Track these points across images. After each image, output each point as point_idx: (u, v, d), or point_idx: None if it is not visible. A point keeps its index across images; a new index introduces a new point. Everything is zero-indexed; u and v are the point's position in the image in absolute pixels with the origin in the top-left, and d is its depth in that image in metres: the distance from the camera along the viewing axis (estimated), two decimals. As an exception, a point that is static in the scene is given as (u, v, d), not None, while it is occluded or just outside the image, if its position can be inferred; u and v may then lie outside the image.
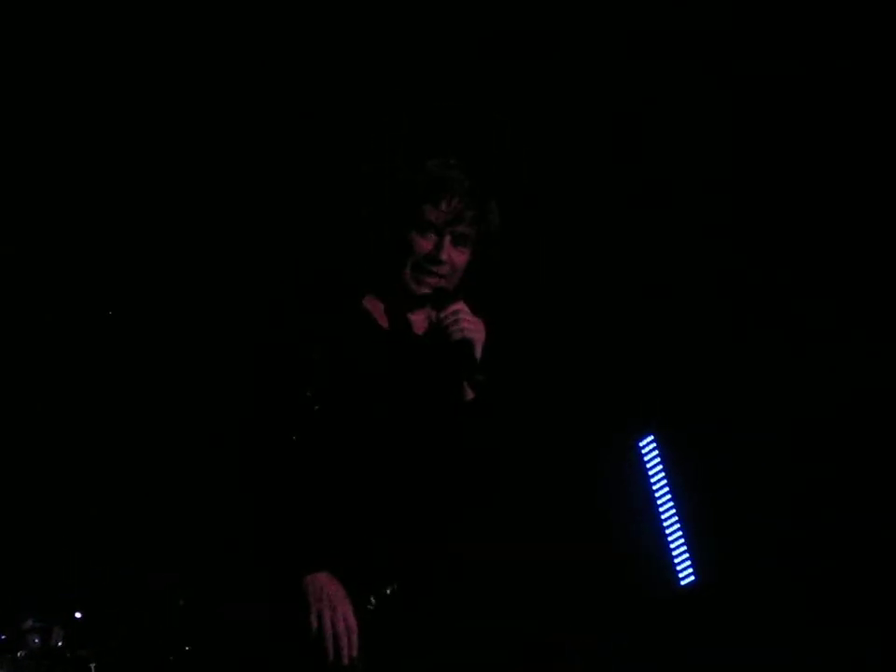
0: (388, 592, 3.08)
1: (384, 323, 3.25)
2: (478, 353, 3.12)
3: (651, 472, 5.37)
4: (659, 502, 5.32)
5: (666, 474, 5.32)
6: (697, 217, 5.01)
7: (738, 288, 4.98)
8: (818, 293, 4.76)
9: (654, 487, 5.34)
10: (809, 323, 4.79)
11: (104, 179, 5.01)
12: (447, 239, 3.14)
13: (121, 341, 5.09)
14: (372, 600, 3.06)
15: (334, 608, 2.96)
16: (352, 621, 2.98)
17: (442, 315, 3.14)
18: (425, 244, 3.15)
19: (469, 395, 3.14)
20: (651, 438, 5.38)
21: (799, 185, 4.71)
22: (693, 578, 5.17)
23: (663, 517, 5.30)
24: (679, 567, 5.21)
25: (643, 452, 5.40)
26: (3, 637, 4.47)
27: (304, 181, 4.91)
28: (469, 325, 3.12)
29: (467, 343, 3.11)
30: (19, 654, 4.43)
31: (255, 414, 3.10)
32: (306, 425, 3.08)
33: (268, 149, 4.97)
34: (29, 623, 4.43)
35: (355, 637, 2.97)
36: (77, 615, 4.53)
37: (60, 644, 4.43)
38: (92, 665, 4.35)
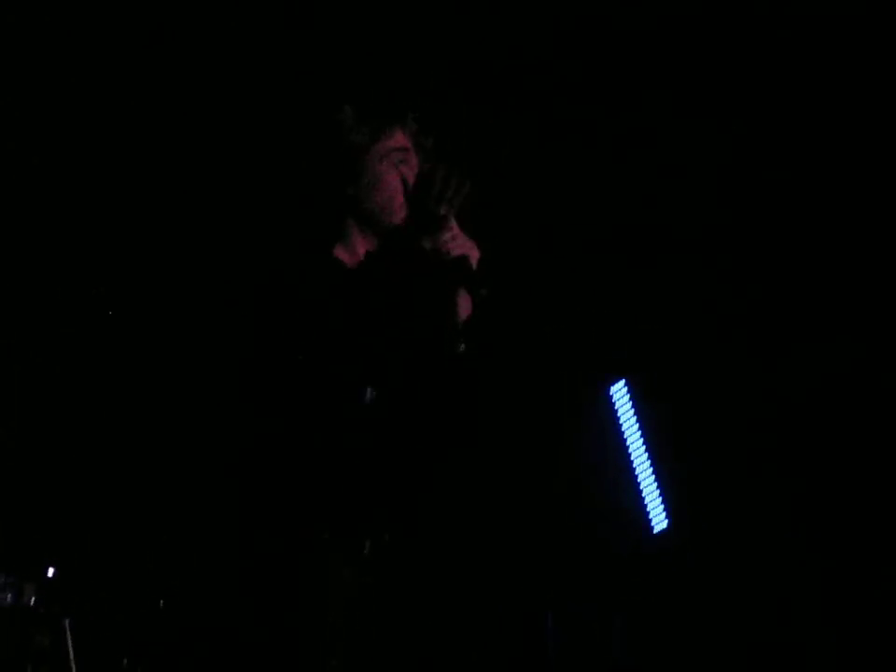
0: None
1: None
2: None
3: (621, 417, 5.35)
4: (630, 447, 5.30)
5: (637, 418, 5.30)
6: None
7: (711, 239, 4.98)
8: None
9: (625, 432, 5.33)
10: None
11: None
12: None
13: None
14: (367, 545, 3.01)
15: None
16: None
17: (438, 236, 3.07)
18: None
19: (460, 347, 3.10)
20: (623, 382, 5.36)
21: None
22: (665, 524, 5.16)
23: (633, 462, 5.28)
24: (651, 514, 5.19)
25: (613, 397, 5.38)
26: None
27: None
28: (465, 241, 3.07)
29: (465, 259, 3.05)
30: (-9, 611, 4.38)
31: (248, 380, 3.04)
32: (299, 386, 3.02)
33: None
34: (1, 579, 4.39)
35: None
36: (50, 572, 4.49)
37: (32, 601, 4.39)
38: (66, 622, 4.30)
